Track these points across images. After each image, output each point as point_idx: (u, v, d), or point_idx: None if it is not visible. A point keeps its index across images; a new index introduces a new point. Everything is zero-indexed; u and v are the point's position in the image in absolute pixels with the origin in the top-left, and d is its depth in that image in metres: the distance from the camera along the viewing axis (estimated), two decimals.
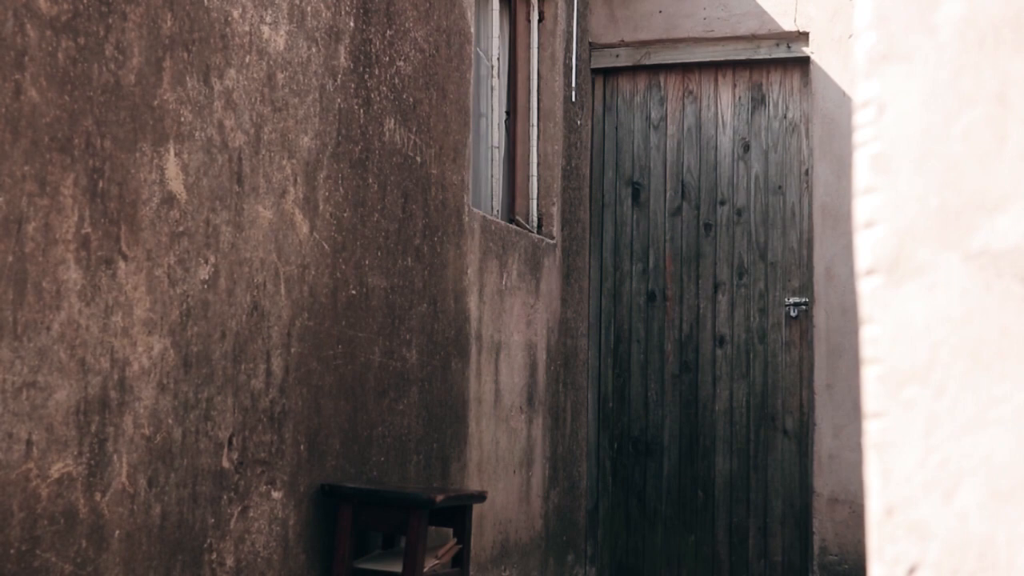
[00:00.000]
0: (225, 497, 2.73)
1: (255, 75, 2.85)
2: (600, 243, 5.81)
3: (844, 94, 5.44)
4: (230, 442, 2.75)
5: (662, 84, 5.82)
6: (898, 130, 0.81)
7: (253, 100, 2.84)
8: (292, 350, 3.02)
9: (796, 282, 5.56)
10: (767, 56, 5.63)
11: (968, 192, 0.78)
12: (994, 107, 0.78)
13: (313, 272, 3.13)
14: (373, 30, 3.50)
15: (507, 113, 5.15)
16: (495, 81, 4.90)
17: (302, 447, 3.08)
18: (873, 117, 0.82)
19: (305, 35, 3.09)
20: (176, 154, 2.53)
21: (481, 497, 3.53)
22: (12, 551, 2.05)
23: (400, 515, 3.15)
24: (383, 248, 3.55)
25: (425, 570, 3.18)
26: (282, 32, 2.98)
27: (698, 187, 5.72)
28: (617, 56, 5.83)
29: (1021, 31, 0.77)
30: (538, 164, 5.38)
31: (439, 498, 3.17)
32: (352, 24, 3.36)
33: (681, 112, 5.78)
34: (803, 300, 5.52)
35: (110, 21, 2.31)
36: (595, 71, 5.87)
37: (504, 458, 4.59)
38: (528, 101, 5.34)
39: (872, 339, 0.81)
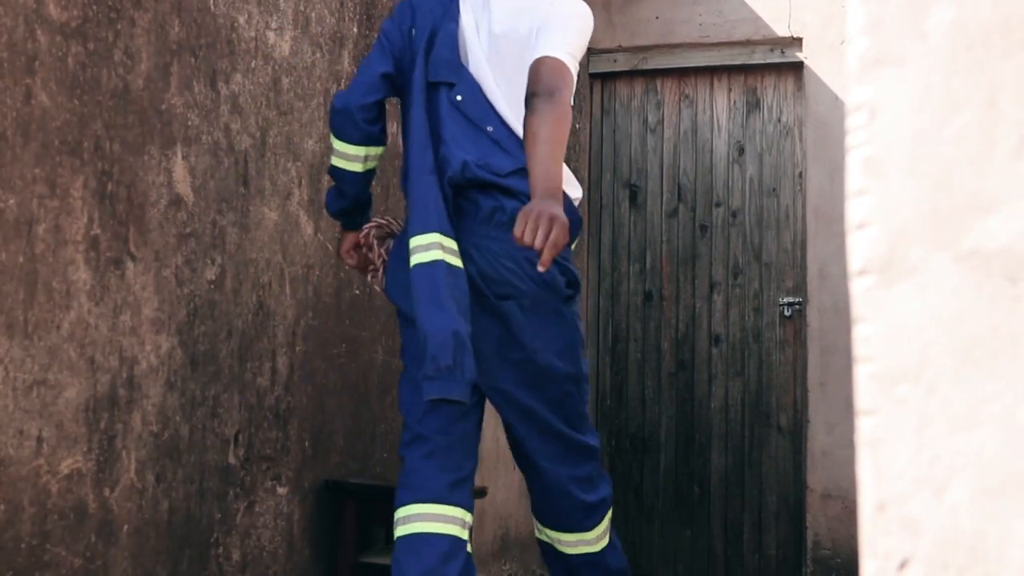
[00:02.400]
0: (231, 493, 2.72)
1: (261, 80, 2.85)
2: (598, 244, 5.81)
3: (837, 98, 5.44)
4: (236, 439, 2.74)
5: (659, 88, 5.82)
6: (890, 133, 0.81)
7: (259, 104, 2.84)
8: (297, 349, 3.02)
9: (790, 282, 5.56)
10: (762, 61, 5.63)
11: (959, 194, 0.78)
12: (984, 111, 0.78)
13: (317, 272, 3.13)
14: (376, 35, 3.50)
15: None
16: None
17: (307, 444, 3.08)
18: (865, 121, 0.82)
19: (309, 41, 3.09)
20: (183, 157, 2.53)
21: (481, 493, 3.53)
22: (23, 545, 2.04)
23: None
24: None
25: None
26: (287, 38, 2.98)
27: (694, 189, 5.72)
28: (615, 61, 5.83)
29: (1010, 36, 0.77)
30: None
31: None
32: (355, 30, 3.36)
33: (677, 116, 5.78)
34: (797, 300, 5.52)
35: (119, 27, 2.31)
36: (593, 76, 5.87)
37: (504, 455, 4.59)
38: None
39: (864, 338, 0.81)
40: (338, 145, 2.64)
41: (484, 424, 4.35)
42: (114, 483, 2.30)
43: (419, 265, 2.43)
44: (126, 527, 2.34)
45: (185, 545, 2.54)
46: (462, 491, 2.53)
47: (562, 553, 2.73)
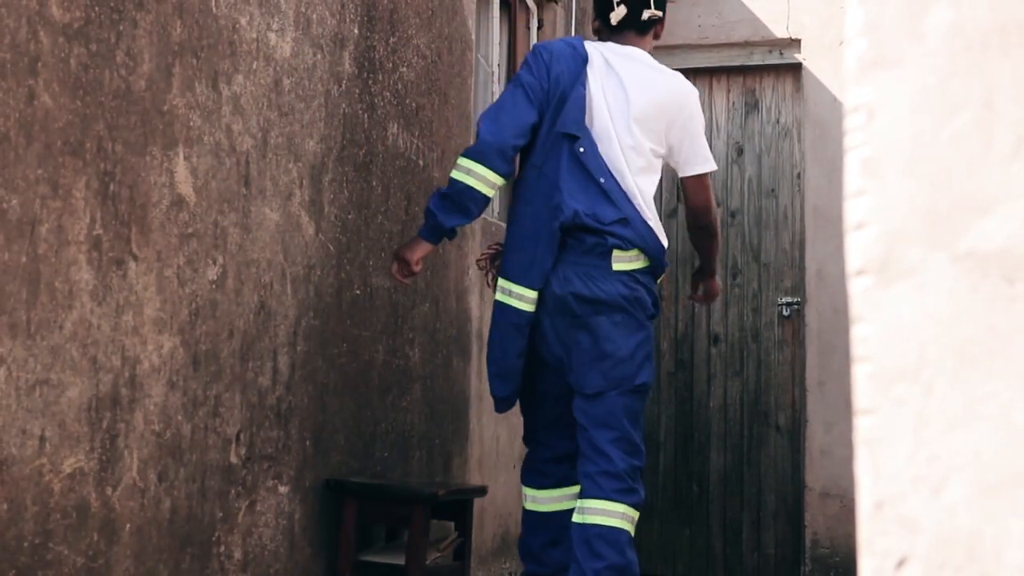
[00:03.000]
0: (233, 492, 2.73)
1: (262, 81, 2.85)
2: None
3: (835, 99, 5.44)
4: (238, 438, 2.74)
5: None
6: (888, 134, 0.81)
7: (260, 105, 2.84)
8: (298, 349, 3.02)
9: (788, 282, 5.56)
10: (760, 62, 5.63)
11: (956, 195, 0.78)
12: (981, 112, 0.78)
13: (319, 272, 3.13)
14: (377, 37, 3.50)
15: None
16: (495, 87, 4.90)
17: (308, 443, 3.08)
18: (863, 122, 0.82)
19: (311, 42, 3.09)
20: (185, 158, 2.53)
21: (482, 491, 3.53)
22: (26, 544, 2.05)
23: (403, 509, 3.15)
24: (387, 249, 3.55)
25: (427, 563, 3.18)
26: (288, 39, 2.98)
27: None
28: None
29: (1008, 38, 0.77)
30: None
31: (441, 492, 3.17)
32: (356, 31, 3.36)
33: None
34: (795, 300, 5.52)
35: (121, 28, 2.31)
36: None
37: (504, 453, 4.59)
38: None
39: (862, 338, 0.81)
40: (482, 171, 3.07)
41: (483, 426, 4.35)
42: (116, 482, 2.30)
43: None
44: (128, 526, 2.34)
45: (187, 544, 2.54)
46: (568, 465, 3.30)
47: (583, 524, 3.08)
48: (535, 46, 3.35)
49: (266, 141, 2.87)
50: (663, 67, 3.28)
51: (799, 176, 5.58)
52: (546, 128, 3.12)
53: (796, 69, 5.61)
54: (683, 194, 3.37)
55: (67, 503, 2.16)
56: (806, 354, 5.41)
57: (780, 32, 5.55)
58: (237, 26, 2.74)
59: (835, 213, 5.37)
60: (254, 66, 2.81)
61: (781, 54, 5.60)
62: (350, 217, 3.32)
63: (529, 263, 3.11)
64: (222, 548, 2.69)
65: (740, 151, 5.67)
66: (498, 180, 3.10)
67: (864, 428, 0.80)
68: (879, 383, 0.79)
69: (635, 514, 3.11)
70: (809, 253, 5.43)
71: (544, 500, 3.28)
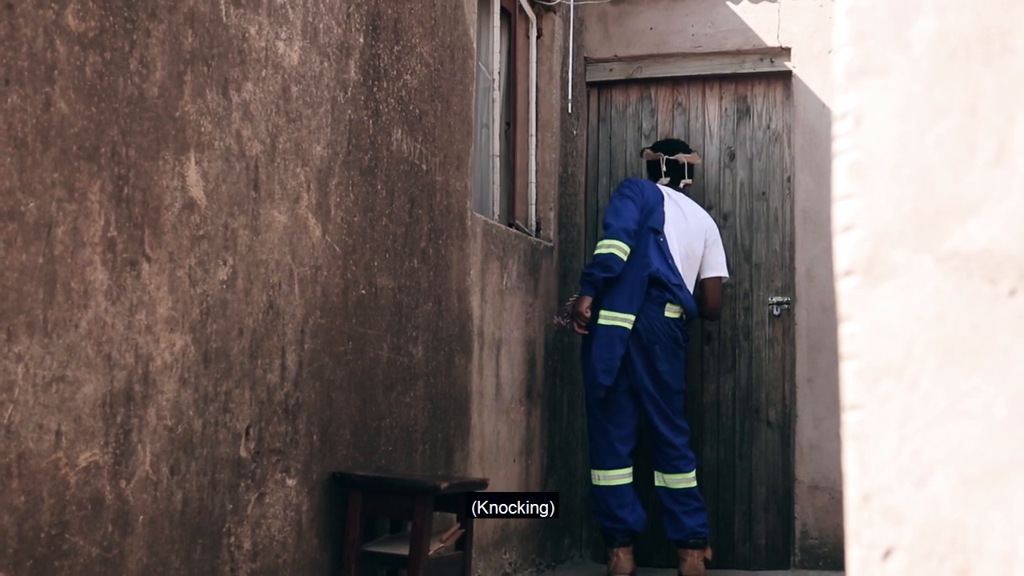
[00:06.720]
0: (242, 484, 2.73)
1: (271, 88, 2.85)
2: (595, 246, 5.81)
3: (824, 106, 5.44)
4: (247, 433, 2.75)
5: (653, 96, 5.82)
6: (874, 140, 0.81)
7: (269, 111, 2.84)
8: (305, 346, 3.02)
9: (779, 282, 5.56)
10: (752, 70, 5.63)
11: (940, 198, 0.78)
12: (965, 118, 0.78)
13: (325, 273, 3.13)
14: (382, 46, 3.50)
15: (507, 124, 5.15)
16: (496, 93, 4.90)
17: (315, 437, 3.08)
18: (851, 128, 0.83)
19: (318, 50, 3.09)
20: (196, 162, 2.53)
21: (483, 484, 3.53)
22: (43, 535, 2.05)
23: (407, 501, 3.15)
24: (391, 250, 3.55)
25: (430, 553, 3.18)
26: (296, 48, 2.98)
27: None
28: (611, 70, 5.82)
29: (990, 46, 0.77)
30: (536, 171, 5.38)
31: (443, 485, 3.17)
32: (362, 40, 3.36)
33: (671, 123, 5.78)
34: (785, 299, 5.52)
35: (135, 37, 2.31)
36: (590, 84, 5.87)
37: (505, 448, 4.59)
38: (527, 112, 5.34)
39: (850, 336, 0.81)
40: (624, 246, 4.78)
41: (484, 422, 4.35)
42: (130, 475, 2.30)
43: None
44: (141, 517, 2.34)
45: (198, 535, 2.54)
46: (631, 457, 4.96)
47: (672, 489, 4.85)
48: (628, 181, 5.01)
49: (274, 146, 2.87)
50: (698, 207, 5.15)
51: (789, 180, 5.58)
52: (642, 225, 4.87)
53: (786, 77, 5.61)
54: (702, 293, 5.08)
55: (82, 495, 2.16)
56: (796, 352, 5.41)
57: (771, 41, 5.55)
58: (247, 35, 2.74)
59: (824, 215, 5.37)
60: (263, 74, 2.82)
61: (772, 62, 5.60)
62: (356, 220, 3.32)
63: (629, 300, 4.80)
64: (232, 539, 2.69)
65: (732, 156, 5.67)
66: (627, 248, 4.78)
67: (851, 423, 0.80)
68: (866, 379, 0.79)
69: (694, 474, 4.88)
70: (799, 254, 5.43)
71: (612, 477, 4.87)
